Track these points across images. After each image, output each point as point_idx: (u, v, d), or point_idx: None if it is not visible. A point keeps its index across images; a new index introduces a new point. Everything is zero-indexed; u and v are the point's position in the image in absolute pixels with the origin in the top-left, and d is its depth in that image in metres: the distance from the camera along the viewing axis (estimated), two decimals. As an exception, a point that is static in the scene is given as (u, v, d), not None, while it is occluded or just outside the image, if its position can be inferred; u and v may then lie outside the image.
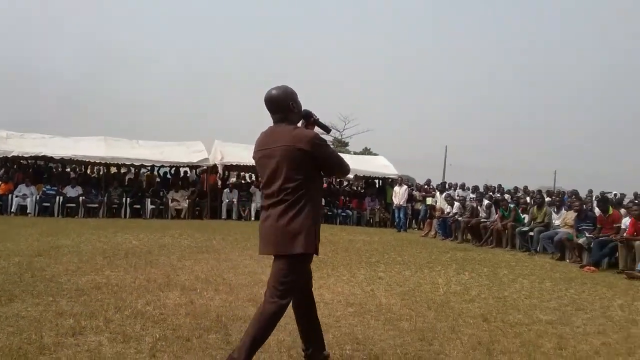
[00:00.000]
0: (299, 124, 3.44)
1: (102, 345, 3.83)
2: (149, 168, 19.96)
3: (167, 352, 3.73)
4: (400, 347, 4.12)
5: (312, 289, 3.77)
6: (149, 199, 17.17)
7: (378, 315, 5.13)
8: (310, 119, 3.50)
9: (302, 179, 3.23)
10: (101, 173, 19.00)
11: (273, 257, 3.41)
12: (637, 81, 72.74)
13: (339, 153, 3.50)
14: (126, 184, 18.69)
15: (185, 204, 17.39)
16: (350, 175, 20.05)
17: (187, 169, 20.32)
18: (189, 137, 22.88)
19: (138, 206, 17.06)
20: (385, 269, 8.16)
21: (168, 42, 77.29)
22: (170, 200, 17.33)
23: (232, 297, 5.55)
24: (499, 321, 5.18)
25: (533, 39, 77.15)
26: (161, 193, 17.79)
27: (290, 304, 3.40)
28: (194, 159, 18.06)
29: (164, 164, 18.82)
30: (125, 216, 16.57)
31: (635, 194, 18.96)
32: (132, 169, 20.67)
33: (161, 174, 20.35)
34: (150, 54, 73.71)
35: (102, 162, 17.34)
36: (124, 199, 16.93)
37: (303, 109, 3.47)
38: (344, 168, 3.45)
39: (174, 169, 19.89)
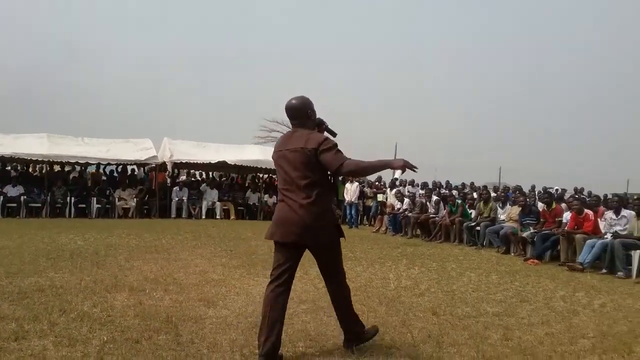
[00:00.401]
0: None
1: (46, 349, 3.70)
2: (95, 166, 19.37)
3: (116, 355, 3.64)
4: (352, 343, 4.16)
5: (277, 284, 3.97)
6: (95, 198, 16.69)
7: (330, 312, 5.12)
8: (322, 126, 3.95)
9: (316, 176, 3.68)
10: (44, 171, 18.33)
11: (278, 245, 3.90)
12: (572, 80, 75.70)
13: (350, 157, 3.68)
14: (71, 182, 18.08)
15: (133, 203, 17.00)
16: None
17: (135, 166, 19.85)
18: (136, 135, 22.32)
19: (83, 205, 16.55)
20: (337, 266, 8.19)
21: (119, 36, 74.82)
22: (117, 199, 16.91)
23: (182, 297, 5.47)
24: (447, 314, 5.30)
25: (464, 31, 79.13)
26: (108, 192, 17.33)
27: (269, 293, 3.89)
28: (142, 156, 17.66)
29: (111, 162, 18.30)
30: (69, 216, 16.06)
31: (575, 189, 19.77)
32: (77, 167, 20.00)
33: (107, 172, 19.79)
34: (101, 48, 71.18)
35: (45, 160, 16.71)
36: (68, 198, 16.39)
37: (317, 117, 3.92)
38: (357, 167, 3.68)
39: (121, 167, 19.40)
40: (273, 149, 3.95)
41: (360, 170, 3.83)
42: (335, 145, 3.71)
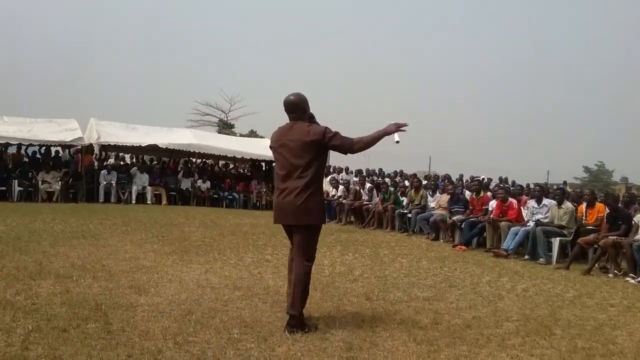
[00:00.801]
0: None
1: (-36, 340, 3.49)
2: (16, 147, 18.29)
3: (42, 344, 3.48)
4: (288, 329, 4.18)
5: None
6: (17, 181, 15.78)
7: (266, 298, 5.17)
8: (313, 119, 4.45)
9: (314, 164, 4.20)
10: (-42, 151, 17.18)
11: (282, 227, 4.51)
12: (493, 75, 78.76)
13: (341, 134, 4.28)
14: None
15: (57, 186, 16.21)
16: (239, 156, 19.96)
17: (59, 148, 18.91)
18: (61, 115, 21.35)
19: (3, 188, 15.61)
20: (273, 252, 8.20)
21: (48, 6, 70.57)
22: (40, 182, 16.06)
23: (112, 285, 5.30)
24: (380, 299, 5.42)
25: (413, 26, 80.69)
26: (30, 174, 16.42)
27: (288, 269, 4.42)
28: (67, 137, 16.79)
29: (33, 143, 17.32)
30: (-12, 199, 15.15)
31: (500, 178, 20.61)
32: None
33: (30, 154, 18.76)
34: (26, 18, 66.80)
35: (-40, 139, 15.66)
36: (-14, 180, 15.44)
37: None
38: (357, 145, 4.27)
39: (44, 148, 18.38)
40: (271, 139, 4.46)
41: (368, 145, 4.31)
42: (337, 131, 4.26)
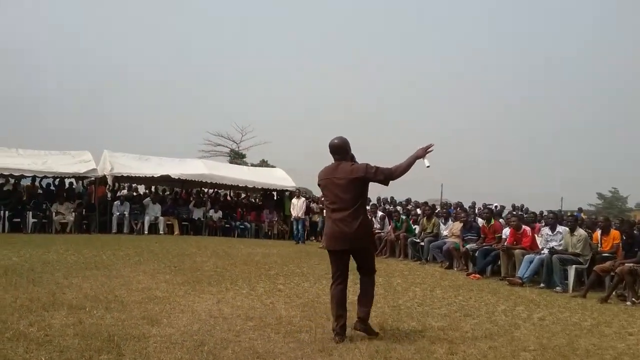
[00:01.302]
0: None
1: (-22, 373, 3.49)
2: (30, 179, 18.53)
3: (54, 377, 3.47)
4: (301, 359, 4.14)
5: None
6: (31, 212, 15.94)
7: (278, 328, 5.12)
8: (354, 159, 5.07)
9: (359, 196, 4.88)
10: (-25, 184, 17.40)
11: (332, 253, 5.00)
12: (509, 100, 78.76)
13: (376, 166, 4.89)
14: (4, 195, 17.22)
15: (71, 217, 16.35)
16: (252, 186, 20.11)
17: (73, 180, 19.12)
18: (75, 147, 21.56)
19: (18, 220, 15.79)
20: (285, 282, 8.17)
21: (61, 38, 71.95)
22: (54, 214, 16.20)
23: (124, 315, 5.29)
24: (394, 329, 5.36)
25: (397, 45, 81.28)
26: (44, 206, 16.59)
27: (334, 289, 5.00)
28: (81, 169, 17.02)
29: (47, 175, 17.54)
30: (3, 231, 15.31)
31: (514, 206, 20.49)
32: (11, 180, 19.07)
33: (44, 186, 18.96)
34: (37, 51, 68.29)
35: (-23, 172, 15.89)
36: (2, 212, 15.59)
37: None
38: (395, 174, 4.85)
39: (58, 180, 18.60)
40: (319, 176, 5.09)
41: (404, 171, 4.85)
42: (376, 166, 4.88)
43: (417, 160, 4.83)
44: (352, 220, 4.80)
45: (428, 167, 4.78)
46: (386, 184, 4.93)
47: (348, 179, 4.84)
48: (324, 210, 18.65)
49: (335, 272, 5.02)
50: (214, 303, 6.18)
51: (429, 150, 4.82)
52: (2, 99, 58.76)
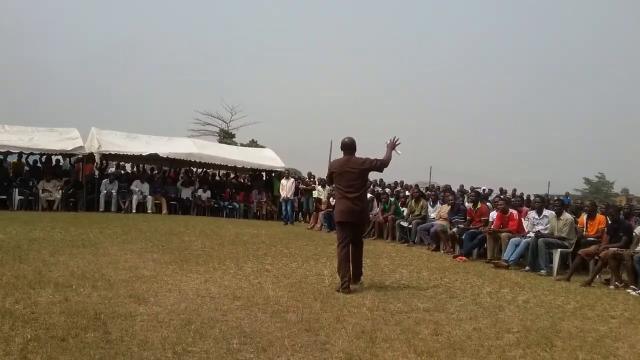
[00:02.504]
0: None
1: (-38, 349, 3.48)
2: (17, 155, 18.32)
3: (40, 354, 3.47)
4: (287, 339, 4.16)
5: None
6: (17, 189, 15.79)
7: (265, 308, 5.14)
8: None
9: (365, 182, 6.74)
10: (-40, 160, 17.18)
11: (343, 224, 6.50)
12: (504, 80, 78.91)
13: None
14: (-10, 172, 17.03)
15: (58, 195, 16.22)
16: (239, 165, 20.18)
17: (60, 157, 18.93)
18: (62, 124, 21.34)
19: (4, 197, 15.63)
20: (273, 262, 8.19)
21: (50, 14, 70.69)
22: (41, 191, 16.06)
23: (111, 294, 5.28)
24: (380, 310, 5.39)
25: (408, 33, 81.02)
26: (31, 183, 16.43)
27: (342, 252, 6.41)
28: (68, 146, 16.86)
29: (34, 151, 17.34)
30: (-12, 208, 15.14)
31: (501, 189, 20.59)
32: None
33: (30, 162, 18.78)
34: (28, 24, 66.92)
35: (-39, 147, 15.67)
36: (-13, 188, 15.42)
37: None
38: (386, 163, 6.59)
39: (45, 157, 18.41)
40: (333, 166, 6.70)
41: (389, 162, 6.59)
42: (374, 158, 6.54)
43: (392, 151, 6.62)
44: (360, 200, 6.50)
45: (399, 154, 6.62)
46: (381, 171, 6.71)
47: (360, 169, 6.47)
48: (313, 192, 18.78)
49: (344, 239, 6.47)
50: (202, 282, 6.18)
51: (397, 143, 6.65)
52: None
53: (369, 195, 15.09)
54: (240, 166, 20.69)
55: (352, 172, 6.46)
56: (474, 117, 76.15)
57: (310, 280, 6.79)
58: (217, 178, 22.90)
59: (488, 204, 12.34)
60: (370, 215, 13.96)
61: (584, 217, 10.25)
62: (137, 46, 71.07)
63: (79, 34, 68.54)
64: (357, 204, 6.42)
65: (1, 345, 3.57)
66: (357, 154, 6.59)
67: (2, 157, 18.42)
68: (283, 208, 17.57)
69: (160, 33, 70.49)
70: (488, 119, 77.92)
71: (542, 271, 8.90)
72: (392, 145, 6.62)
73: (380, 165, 6.53)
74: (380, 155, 6.62)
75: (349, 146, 6.62)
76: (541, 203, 10.30)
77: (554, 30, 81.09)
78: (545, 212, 9.95)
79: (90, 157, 17.47)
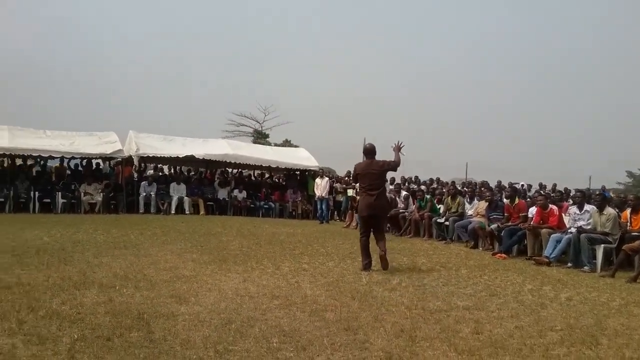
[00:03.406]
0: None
1: (16, 347, 3.62)
2: (58, 160, 18.88)
3: (87, 353, 3.57)
4: (326, 338, 4.18)
5: None
6: (60, 193, 16.26)
7: (304, 307, 5.17)
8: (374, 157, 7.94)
9: (384, 181, 8.10)
10: (5, 165, 17.79)
11: (366, 217, 7.78)
12: (536, 75, 77.07)
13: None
14: (34, 176, 17.59)
15: (99, 198, 16.62)
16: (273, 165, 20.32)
17: (100, 160, 19.42)
18: (100, 128, 21.84)
19: (48, 200, 16.12)
20: (309, 261, 8.22)
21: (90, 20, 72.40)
22: (82, 194, 16.49)
23: (153, 294, 5.39)
24: (419, 308, 5.36)
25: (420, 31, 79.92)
26: (73, 186, 16.89)
27: (363, 241, 7.75)
28: (108, 150, 17.29)
29: (75, 156, 17.83)
30: (34, 211, 15.65)
31: (540, 185, 20.20)
32: (40, 161, 19.46)
33: (72, 166, 19.32)
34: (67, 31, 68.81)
35: (7, 153, 16.21)
36: (32, 192, 15.94)
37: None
38: (398, 165, 7.90)
39: (85, 160, 18.92)
40: (358, 169, 7.94)
41: (399, 164, 7.89)
42: (390, 160, 7.85)
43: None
44: (381, 196, 7.76)
45: (404, 155, 7.92)
46: (395, 170, 8.21)
47: (380, 170, 7.77)
48: (348, 190, 18.75)
49: (366, 230, 7.80)
50: (240, 282, 6.26)
51: (401, 145, 7.92)
52: (28, 82, 59.67)
53: (404, 193, 15.11)
54: (274, 166, 20.83)
55: (373, 173, 7.70)
56: (510, 109, 74.59)
57: (347, 279, 6.79)
58: (253, 178, 23.10)
59: (528, 200, 12.11)
60: (406, 213, 13.90)
61: (627, 211, 9.93)
62: (172, 51, 72.08)
63: (111, 38, 69.98)
64: (378, 200, 7.64)
65: (50, 345, 3.69)
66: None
67: (44, 162, 19.03)
68: (318, 207, 17.62)
69: (194, 34, 71.33)
70: (524, 111, 76.13)
71: (585, 268, 8.69)
72: (398, 148, 7.89)
73: (394, 166, 7.86)
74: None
75: (370, 151, 7.89)
76: (582, 198, 10.03)
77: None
78: (587, 207, 9.70)
79: (129, 160, 17.86)
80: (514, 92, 73.60)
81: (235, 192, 18.97)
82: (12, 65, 59.29)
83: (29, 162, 19.35)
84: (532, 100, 73.71)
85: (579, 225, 9.47)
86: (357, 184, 8.40)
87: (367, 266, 7.51)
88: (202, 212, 17.64)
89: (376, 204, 7.62)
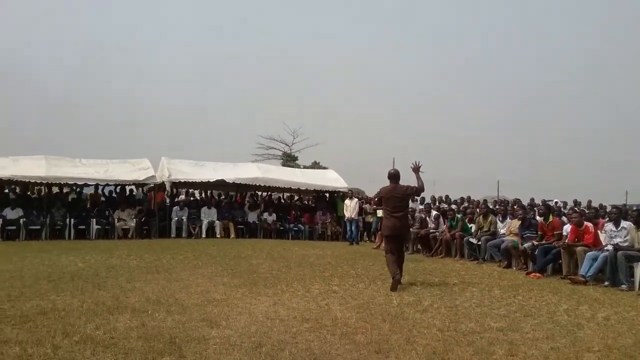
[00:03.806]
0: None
1: (50, 374, 3.68)
2: (93, 187, 19.35)
3: (120, 378, 3.62)
4: (357, 361, 4.14)
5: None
6: (94, 219, 16.63)
7: (334, 330, 5.14)
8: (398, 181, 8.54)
9: (407, 204, 8.65)
10: (42, 193, 18.29)
11: (390, 237, 8.37)
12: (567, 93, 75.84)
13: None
14: (69, 204, 18.03)
15: (132, 223, 16.94)
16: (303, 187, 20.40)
17: (133, 187, 19.83)
18: (131, 155, 22.31)
19: (83, 227, 16.49)
20: (339, 283, 8.19)
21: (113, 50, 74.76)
22: (116, 220, 16.83)
23: (185, 318, 5.44)
24: (452, 330, 5.28)
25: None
26: (107, 212, 17.26)
27: (390, 256, 8.20)
28: (141, 176, 17.62)
29: (109, 183, 18.27)
30: (69, 237, 16.00)
31: (575, 201, 19.78)
32: (75, 189, 19.97)
33: (106, 193, 19.77)
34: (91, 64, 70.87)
35: (44, 182, 16.69)
36: (67, 219, 16.33)
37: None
38: (421, 190, 8.47)
39: (119, 187, 19.36)
40: (382, 192, 8.51)
41: (424, 189, 8.44)
42: (413, 186, 8.35)
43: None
44: (403, 218, 8.41)
45: (423, 172, 8.33)
46: (419, 195, 9.95)
47: (404, 194, 8.36)
48: (378, 211, 18.69)
49: (391, 249, 8.29)
50: (271, 305, 6.27)
51: (419, 165, 8.39)
52: (59, 113, 61.48)
53: (434, 212, 14.99)
54: (303, 188, 20.92)
55: (397, 197, 8.28)
56: (543, 123, 73.48)
57: (377, 301, 6.74)
58: (282, 201, 23.22)
59: (564, 218, 11.88)
60: (437, 233, 13.76)
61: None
62: (199, 76, 73.54)
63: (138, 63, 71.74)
64: (400, 221, 8.28)
65: (85, 370, 3.75)
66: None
67: (80, 190, 19.51)
68: (348, 228, 17.58)
69: (223, 66, 72.72)
70: (557, 126, 74.84)
71: (623, 286, 8.43)
72: (417, 168, 8.34)
73: (418, 191, 8.46)
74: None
75: (394, 176, 8.45)
76: (618, 214, 9.79)
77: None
78: (624, 223, 9.45)
79: (161, 185, 18.18)
80: (546, 106, 72.55)
81: (265, 214, 19.09)
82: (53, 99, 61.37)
83: (65, 189, 19.88)
84: (563, 113, 72.51)
85: (615, 242, 9.23)
86: (382, 207, 8.80)
87: (397, 279, 7.74)
88: (232, 235, 17.78)
89: (399, 224, 8.26)
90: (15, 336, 4.55)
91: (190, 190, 22.63)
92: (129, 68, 68.93)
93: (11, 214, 15.73)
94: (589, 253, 9.18)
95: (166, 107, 67.75)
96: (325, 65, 74.38)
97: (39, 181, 16.60)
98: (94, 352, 4.19)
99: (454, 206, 17.65)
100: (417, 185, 8.26)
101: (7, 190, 18.86)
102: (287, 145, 45.73)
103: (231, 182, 18.80)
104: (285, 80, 73.36)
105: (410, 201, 9.53)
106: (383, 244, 15.76)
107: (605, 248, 9.25)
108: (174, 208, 17.88)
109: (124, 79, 68.09)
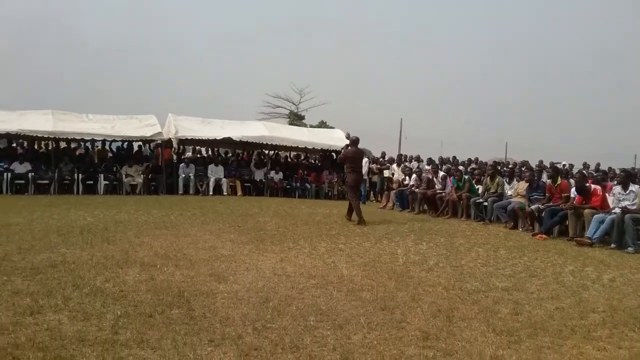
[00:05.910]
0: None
1: (62, 323, 3.75)
2: (100, 142, 19.35)
3: (130, 329, 3.68)
4: (363, 317, 4.20)
5: None
6: (102, 175, 16.71)
7: (340, 287, 5.19)
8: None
9: (362, 163, 12.51)
10: (50, 148, 18.34)
11: (354, 187, 11.49)
12: (580, 56, 74.45)
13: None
14: (77, 159, 18.08)
15: (140, 179, 17.01)
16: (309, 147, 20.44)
17: (140, 143, 19.83)
18: (138, 111, 22.16)
19: (91, 182, 16.57)
20: (346, 241, 8.24)
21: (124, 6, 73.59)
22: (124, 176, 16.90)
23: (193, 273, 5.51)
24: (457, 289, 5.32)
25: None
26: (114, 168, 17.33)
27: (357, 201, 11.27)
28: (148, 132, 17.59)
29: (116, 138, 18.25)
30: (77, 192, 16.10)
31: (584, 164, 19.64)
32: (83, 144, 19.99)
33: (114, 149, 19.79)
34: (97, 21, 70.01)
35: (51, 136, 16.70)
36: (75, 174, 16.41)
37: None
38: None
39: (126, 143, 19.36)
40: (349, 153, 11.26)
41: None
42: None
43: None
44: (360, 173, 11.70)
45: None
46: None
47: (361, 156, 11.66)
48: (387, 171, 18.69)
49: (355, 195, 11.41)
50: (277, 261, 6.33)
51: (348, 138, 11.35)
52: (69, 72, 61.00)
53: (441, 173, 14.91)
54: (310, 147, 20.85)
55: (357, 157, 11.35)
56: (551, 86, 72.41)
57: (383, 260, 6.78)
58: (289, 160, 23.21)
59: (571, 180, 11.80)
60: (443, 194, 13.74)
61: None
62: (212, 35, 72.53)
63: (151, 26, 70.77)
64: (360, 175, 11.72)
65: (94, 321, 3.82)
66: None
67: (87, 145, 19.53)
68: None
69: (233, 25, 71.53)
70: (566, 88, 73.75)
71: (630, 249, 8.45)
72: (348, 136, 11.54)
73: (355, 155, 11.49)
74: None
75: (357, 142, 11.38)
76: (627, 177, 9.72)
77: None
78: (632, 186, 9.39)
79: (168, 142, 18.16)
80: (553, 72, 71.41)
81: (272, 173, 19.09)
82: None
83: (72, 145, 19.91)
84: (573, 79, 71.39)
85: (623, 205, 9.19)
86: (346, 164, 11.26)
87: (362, 219, 10.66)
88: (239, 193, 17.85)
89: (360, 178, 11.78)
90: (27, 288, 4.62)
91: (197, 148, 22.58)
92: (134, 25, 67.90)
93: (19, 168, 15.82)
94: (596, 215, 9.16)
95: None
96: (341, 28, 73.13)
97: (46, 136, 16.61)
98: (104, 303, 4.25)
99: (461, 167, 17.57)
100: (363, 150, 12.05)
101: (14, 144, 18.89)
102: (294, 104, 45.45)
103: (238, 140, 18.74)
104: (295, 40, 72.24)
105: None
106: (390, 204, 15.97)
107: (613, 211, 9.22)
108: (181, 165, 17.93)
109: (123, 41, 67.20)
